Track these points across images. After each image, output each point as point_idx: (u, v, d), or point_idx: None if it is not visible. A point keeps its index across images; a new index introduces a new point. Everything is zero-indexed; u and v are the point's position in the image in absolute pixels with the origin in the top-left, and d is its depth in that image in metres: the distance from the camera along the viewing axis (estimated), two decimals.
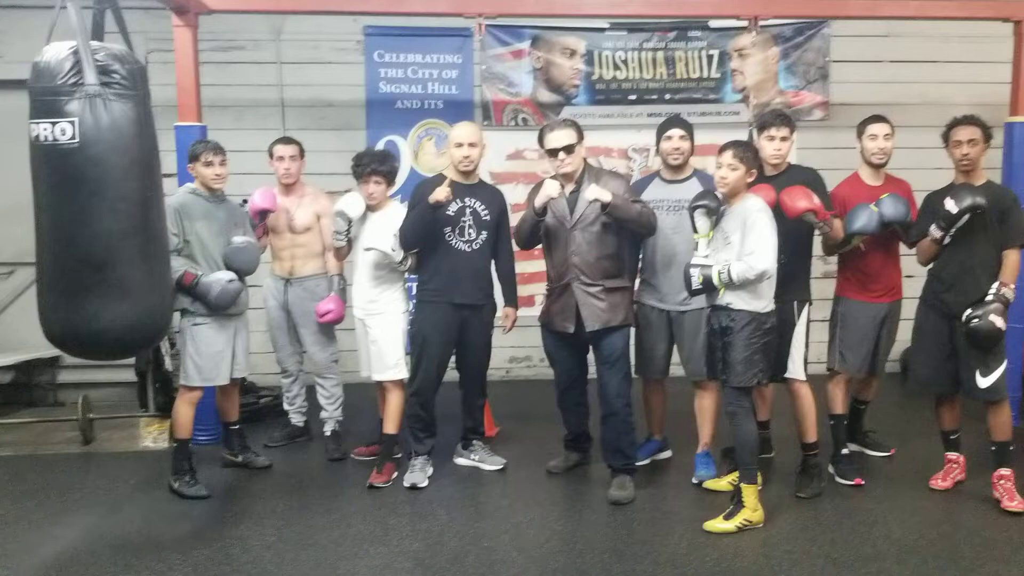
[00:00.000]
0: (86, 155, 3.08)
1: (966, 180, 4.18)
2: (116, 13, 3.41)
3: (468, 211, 4.45)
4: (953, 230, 4.09)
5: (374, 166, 4.53)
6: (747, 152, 3.89)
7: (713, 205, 3.91)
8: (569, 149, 4.20)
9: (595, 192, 4.08)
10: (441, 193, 4.25)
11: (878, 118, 4.51)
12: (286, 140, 5.08)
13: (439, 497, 4.37)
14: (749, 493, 3.93)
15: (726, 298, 3.85)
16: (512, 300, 4.71)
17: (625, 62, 6.73)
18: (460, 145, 4.44)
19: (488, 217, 4.49)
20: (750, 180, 3.91)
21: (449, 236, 4.43)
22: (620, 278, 4.29)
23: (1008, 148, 5.38)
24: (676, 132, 4.42)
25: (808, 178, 4.29)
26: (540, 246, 4.46)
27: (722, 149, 3.93)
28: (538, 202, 4.17)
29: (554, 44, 6.69)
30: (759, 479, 4.01)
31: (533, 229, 4.32)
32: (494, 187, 4.72)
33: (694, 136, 4.48)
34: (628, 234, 4.26)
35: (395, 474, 4.56)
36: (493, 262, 4.63)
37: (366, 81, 6.65)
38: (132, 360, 5.34)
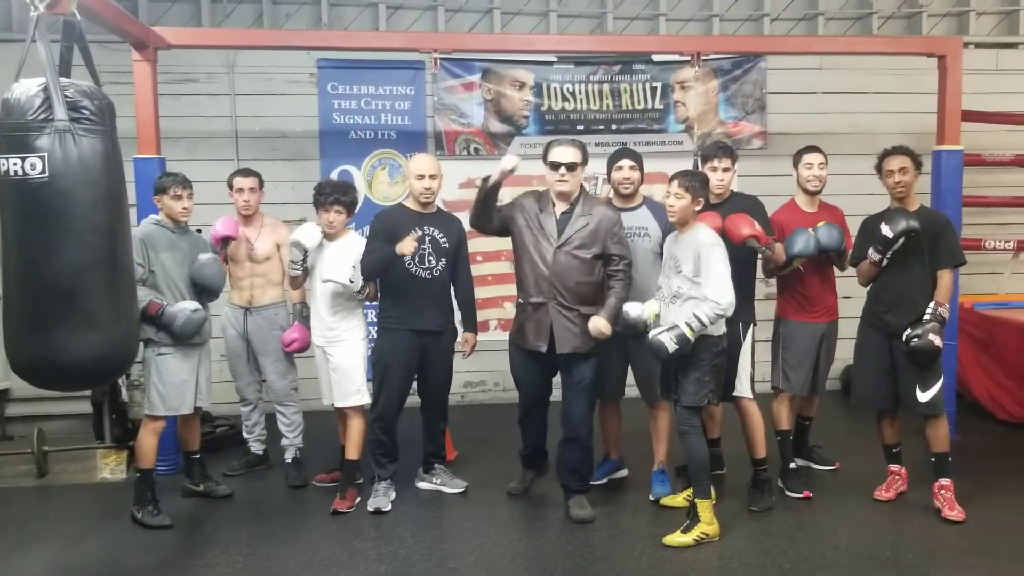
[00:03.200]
0: (55, 189, 3.13)
1: (900, 206, 4.42)
2: (84, 50, 3.47)
3: (427, 239, 4.56)
4: (890, 253, 4.32)
5: (337, 195, 4.61)
6: (694, 181, 4.07)
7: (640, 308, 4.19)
8: (572, 167, 4.23)
9: (598, 326, 4.14)
10: (408, 247, 4.32)
11: (813, 148, 4.77)
12: (245, 172, 5.13)
13: (403, 521, 4.43)
14: (704, 508, 4.08)
15: (680, 320, 4.01)
16: (472, 325, 4.81)
17: (573, 94, 6.94)
18: (421, 177, 4.55)
19: (447, 245, 4.60)
20: (697, 208, 4.09)
21: (409, 264, 4.52)
22: (596, 306, 4.24)
23: (936, 174, 5.68)
24: (626, 163, 4.60)
25: (749, 205, 4.51)
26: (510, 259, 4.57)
27: (671, 179, 4.11)
28: (494, 177, 4.20)
29: (504, 77, 6.87)
30: (712, 494, 4.17)
31: (486, 202, 4.31)
32: (452, 215, 4.81)
33: (643, 165, 4.67)
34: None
35: (358, 499, 4.62)
36: (453, 288, 4.73)
37: (320, 112, 6.73)
38: (86, 392, 5.31)
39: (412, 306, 4.54)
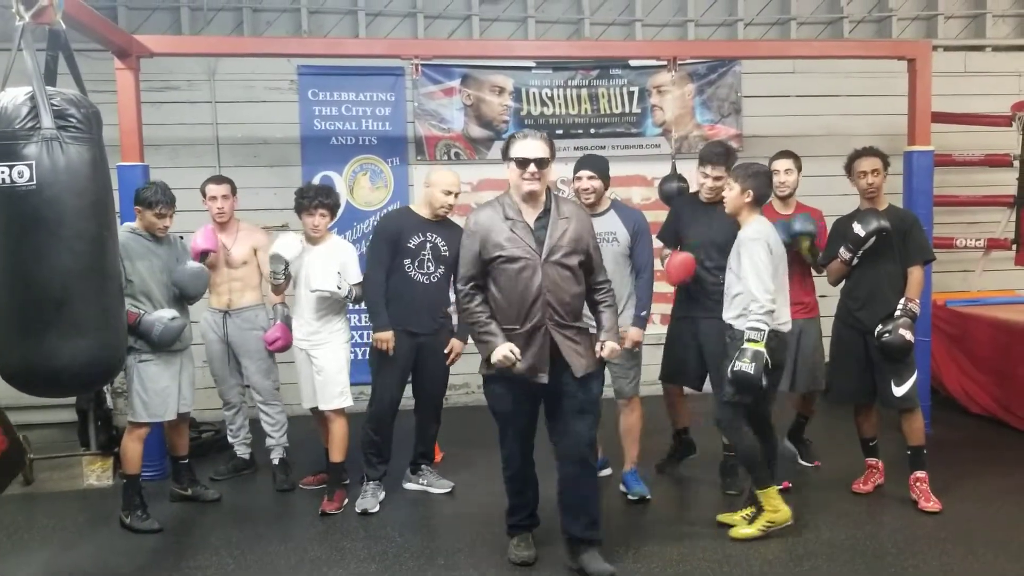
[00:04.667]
0: (43, 196, 3.16)
1: (871, 206, 4.54)
2: (69, 58, 3.50)
3: (429, 245, 4.62)
4: (861, 252, 4.43)
5: (321, 198, 4.66)
6: (742, 172, 4.09)
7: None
8: (542, 163, 3.64)
9: (616, 349, 3.76)
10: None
11: (782, 155, 4.90)
12: (218, 180, 5.15)
13: (392, 521, 4.48)
14: (769, 496, 4.10)
15: (727, 316, 4.09)
16: (463, 334, 4.72)
17: (551, 98, 7.02)
18: (449, 193, 4.60)
19: (447, 253, 4.62)
20: (747, 200, 4.07)
21: (408, 268, 4.59)
22: (585, 318, 3.82)
23: (907, 174, 5.80)
24: (584, 173, 4.60)
25: None
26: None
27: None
28: (495, 359, 3.57)
29: (483, 82, 6.94)
30: (772, 480, 4.15)
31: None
32: (455, 224, 4.75)
33: (608, 171, 4.66)
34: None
35: (345, 500, 4.66)
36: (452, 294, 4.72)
37: (300, 119, 6.78)
38: (70, 400, 5.32)
39: (408, 309, 4.60)
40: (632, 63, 7.01)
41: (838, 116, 7.24)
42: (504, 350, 3.55)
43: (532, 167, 3.61)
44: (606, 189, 4.68)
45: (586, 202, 4.59)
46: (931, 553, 3.93)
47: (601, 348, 3.74)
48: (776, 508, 4.11)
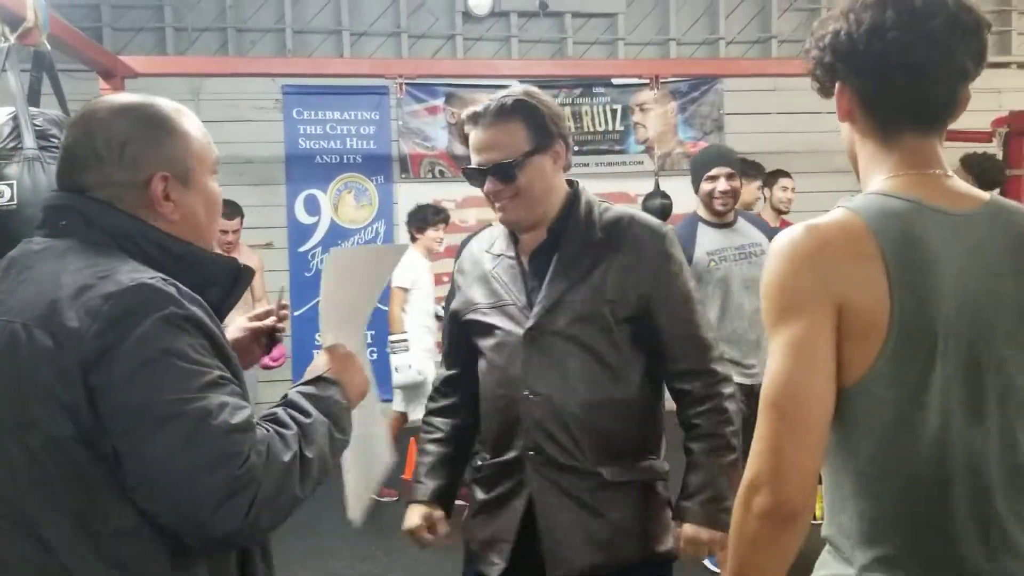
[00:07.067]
0: (23, 216, 3.12)
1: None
2: (53, 80, 3.51)
3: None
4: None
5: (444, 214, 4.84)
6: None
7: None
8: (507, 172, 1.92)
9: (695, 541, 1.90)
10: None
11: (784, 174, 5.04)
12: (231, 213, 4.95)
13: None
14: None
15: None
16: None
17: None
18: None
19: None
20: None
21: None
22: (648, 457, 1.99)
23: None
24: (722, 171, 3.57)
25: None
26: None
27: None
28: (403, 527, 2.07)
29: (467, 101, 6.96)
30: None
31: None
32: None
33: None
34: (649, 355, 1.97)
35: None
36: None
37: (285, 137, 6.80)
38: None
39: None
40: (615, 81, 7.08)
41: (819, 133, 7.28)
42: (414, 517, 2.05)
43: (490, 184, 1.93)
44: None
45: (720, 210, 3.55)
46: None
47: (678, 532, 1.93)
48: None
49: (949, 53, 1.27)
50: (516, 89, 1.97)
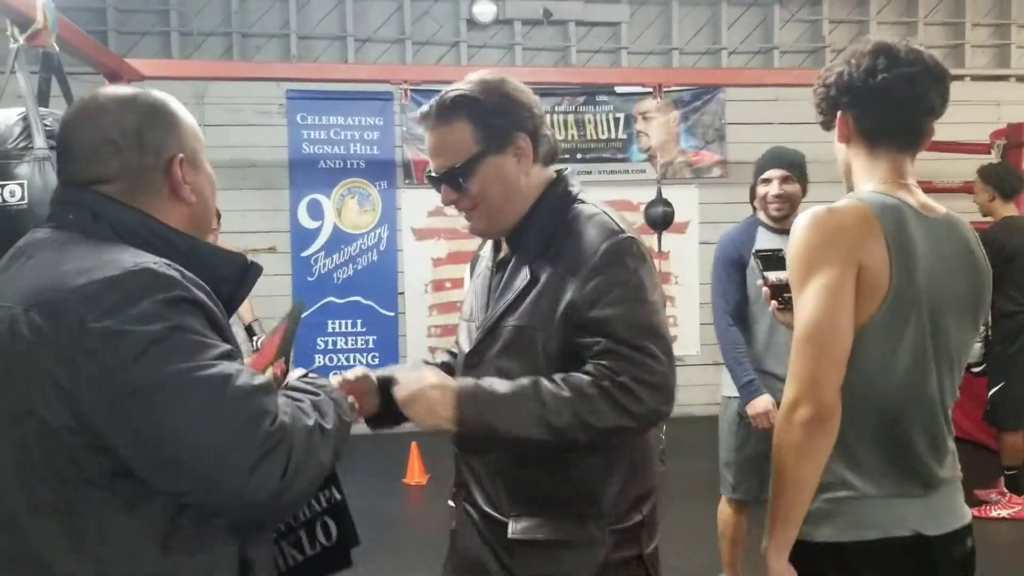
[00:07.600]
0: (34, 215, 3.15)
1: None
2: (62, 81, 3.54)
3: None
4: None
5: None
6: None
7: None
8: (455, 181, 1.73)
9: None
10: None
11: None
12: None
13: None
14: None
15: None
16: None
17: None
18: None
19: None
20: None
21: None
22: (588, 510, 1.69)
23: None
24: (776, 173, 3.41)
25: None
26: None
27: None
28: None
29: None
30: None
31: None
32: None
33: (806, 169, 3.73)
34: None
35: None
36: None
37: (289, 142, 6.83)
38: None
39: None
40: (618, 90, 7.12)
41: (820, 143, 7.26)
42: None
43: (444, 193, 1.74)
44: (804, 195, 3.40)
45: (777, 215, 3.37)
46: None
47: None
48: None
49: (924, 92, 1.72)
50: (462, 83, 1.71)
